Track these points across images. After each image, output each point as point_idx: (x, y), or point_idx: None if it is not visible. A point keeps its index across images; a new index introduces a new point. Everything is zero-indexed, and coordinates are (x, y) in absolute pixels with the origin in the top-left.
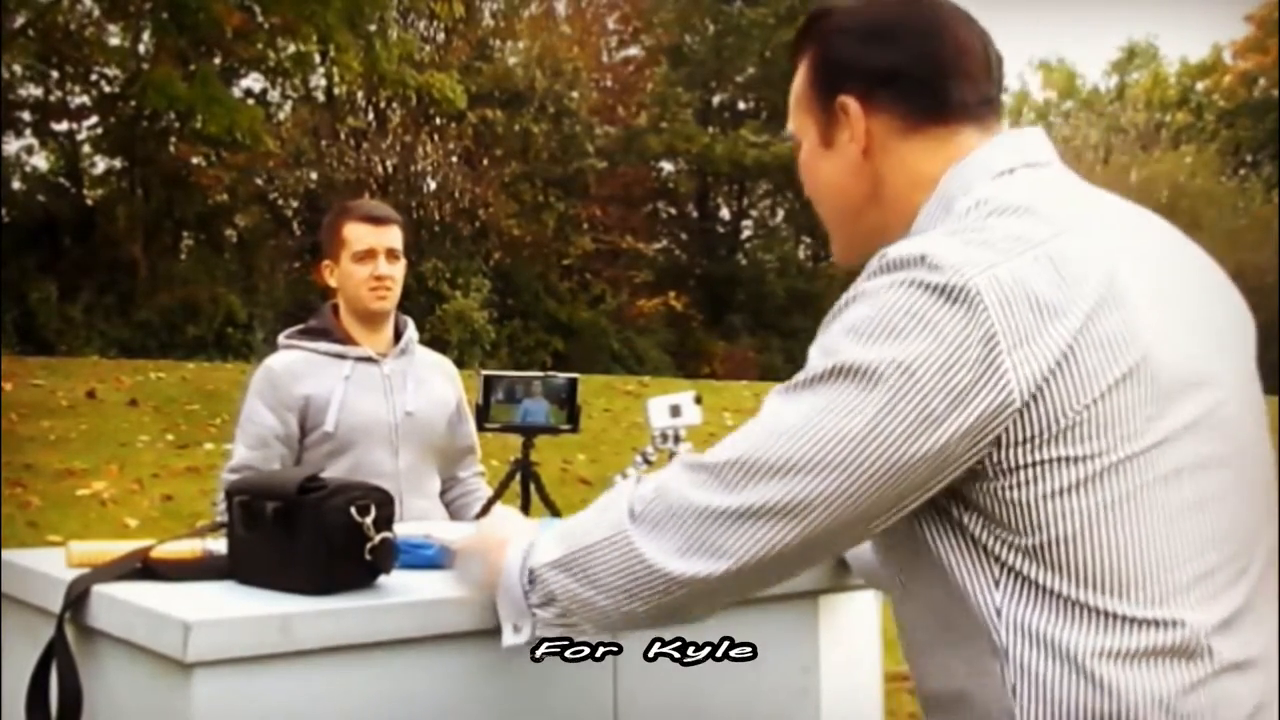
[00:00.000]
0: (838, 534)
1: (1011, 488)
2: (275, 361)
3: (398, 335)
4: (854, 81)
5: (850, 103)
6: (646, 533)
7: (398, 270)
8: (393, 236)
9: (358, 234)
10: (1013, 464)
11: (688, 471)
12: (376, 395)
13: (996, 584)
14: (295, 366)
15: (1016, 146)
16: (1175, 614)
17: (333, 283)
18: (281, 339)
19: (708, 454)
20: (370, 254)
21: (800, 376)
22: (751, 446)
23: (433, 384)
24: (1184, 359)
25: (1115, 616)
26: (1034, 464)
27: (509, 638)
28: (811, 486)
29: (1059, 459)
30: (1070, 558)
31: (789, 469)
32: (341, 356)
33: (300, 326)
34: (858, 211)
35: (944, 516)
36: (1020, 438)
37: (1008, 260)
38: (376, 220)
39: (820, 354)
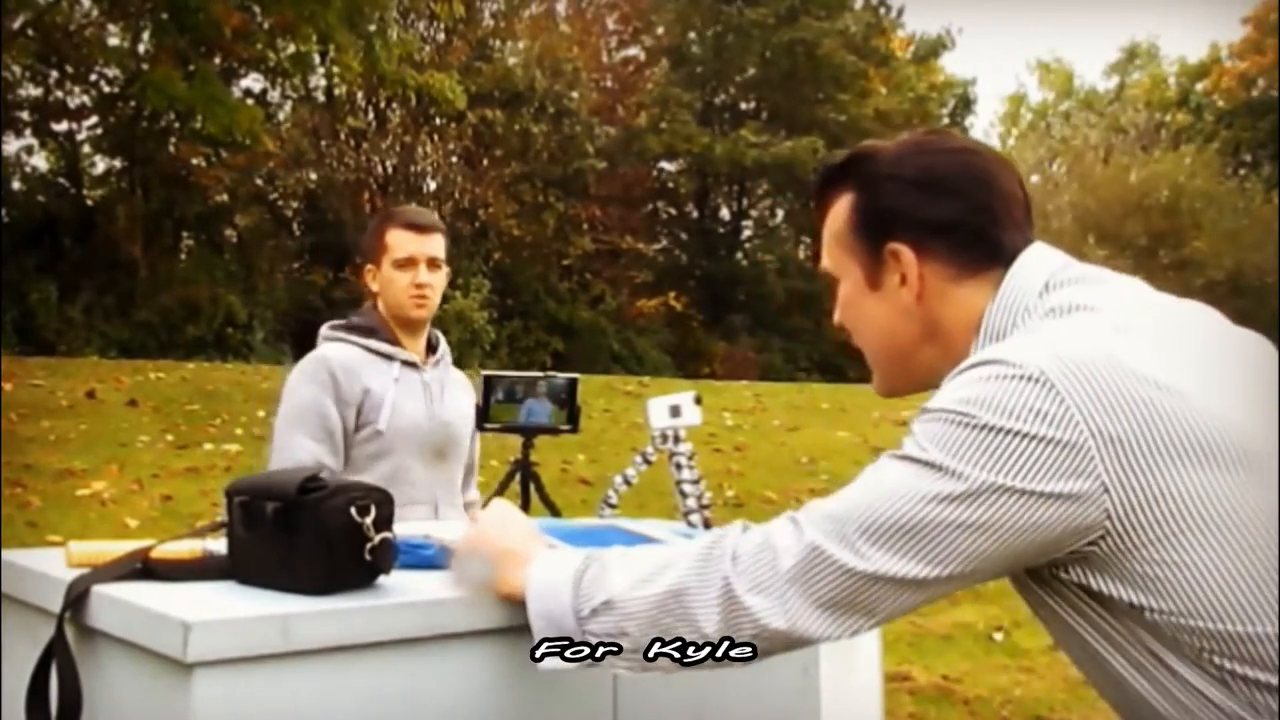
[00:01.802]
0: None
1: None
2: (332, 353)
3: (430, 346)
4: (906, 229)
5: (904, 250)
6: (752, 586)
7: (438, 279)
8: (435, 245)
9: (400, 241)
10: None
11: (803, 527)
12: (419, 401)
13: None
14: (353, 363)
15: (1035, 267)
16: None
17: (374, 287)
18: (328, 331)
19: (817, 510)
20: (411, 261)
21: (913, 450)
22: (869, 511)
23: (461, 398)
24: (1235, 433)
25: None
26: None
27: (551, 662)
28: (924, 569)
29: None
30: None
31: (904, 548)
32: (390, 357)
33: (344, 322)
34: (910, 351)
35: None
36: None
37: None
38: (420, 228)
39: (914, 445)
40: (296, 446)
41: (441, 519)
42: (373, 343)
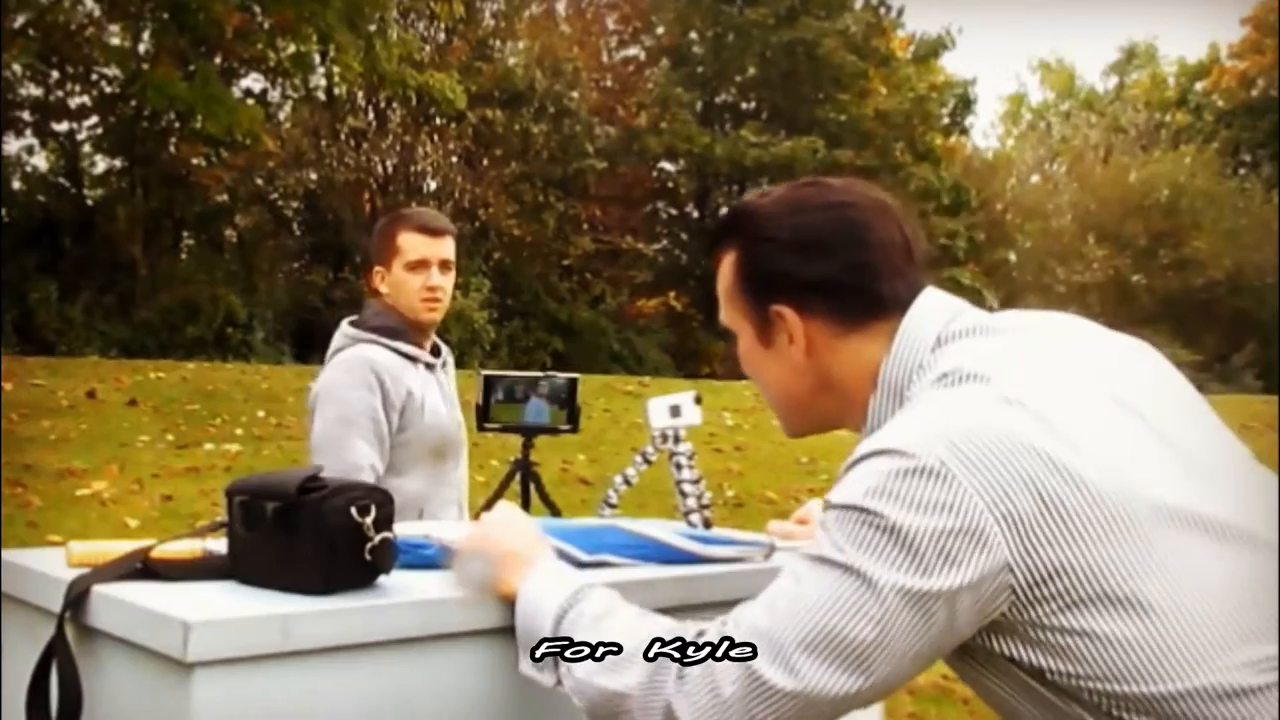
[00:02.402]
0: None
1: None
2: (374, 356)
3: (434, 348)
4: (786, 291)
5: (786, 311)
6: (693, 712)
7: (448, 281)
8: (447, 248)
9: (412, 243)
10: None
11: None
12: (441, 403)
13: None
14: (392, 364)
15: (927, 318)
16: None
17: (383, 289)
18: (356, 331)
19: (747, 624)
20: (424, 264)
21: (830, 552)
22: (797, 627)
23: (456, 400)
24: (1164, 493)
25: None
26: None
27: (527, 668)
28: (857, 680)
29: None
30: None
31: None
32: (414, 360)
33: (370, 324)
34: (807, 403)
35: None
36: (1030, 596)
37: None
38: (433, 231)
39: (830, 545)
40: (355, 451)
41: (464, 521)
42: (400, 345)
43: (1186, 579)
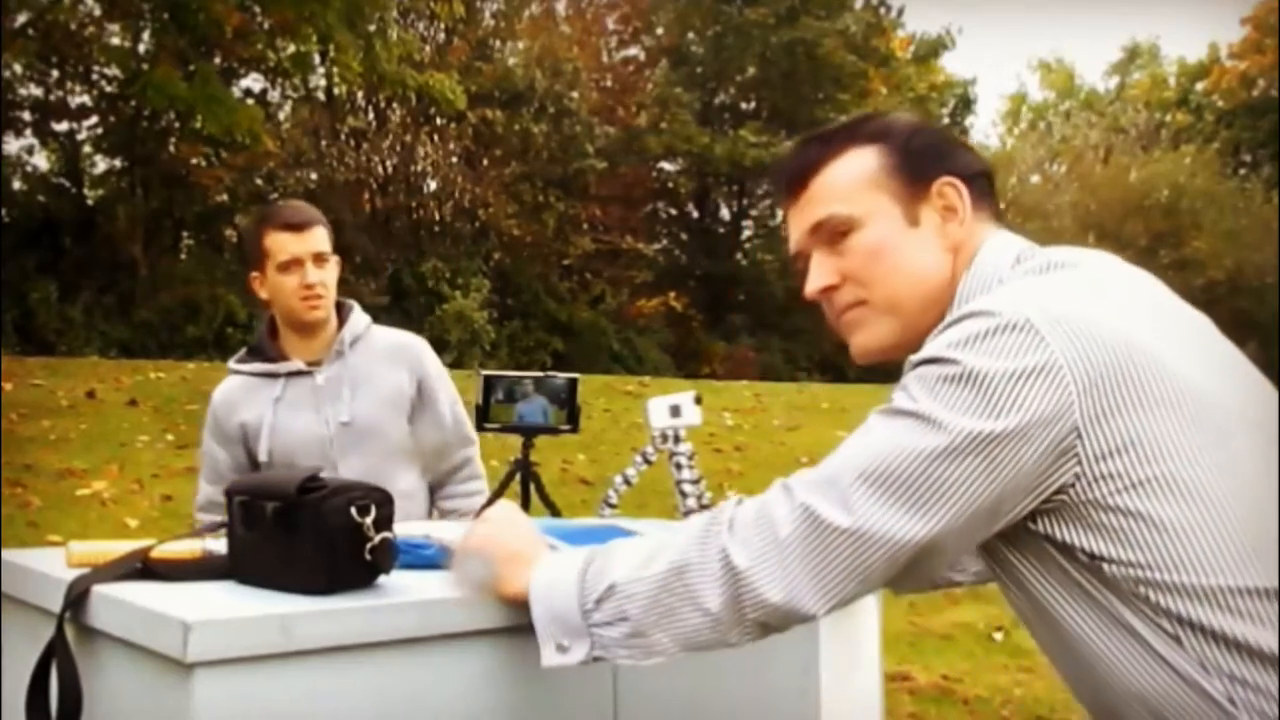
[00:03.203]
0: (946, 548)
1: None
2: (216, 394)
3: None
4: (949, 169)
5: (956, 182)
6: (751, 556)
7: (328, 274)
8: (317, 240)
9: (279, 243)
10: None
11: (795, 492)
12: (308, 412)
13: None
14: (231, 396)
15: (1008, 243)
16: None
17: (264, 295)
18: (230, 364)
19: (809, 475)
20: (295, 262)
21: (902, 403)
22: (859, 469)
23: (379, 380)
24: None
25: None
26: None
27: (552, 657)
28: (916, 523)
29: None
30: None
31: (901, 496)
32: (273, 375)
33: (247, 347)
34: (934, 294)
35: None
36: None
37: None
38: (296, 226)
39: (904, 397)
40: (200, 491)
41: None
42: (256, 365)
43: (1248, 476)
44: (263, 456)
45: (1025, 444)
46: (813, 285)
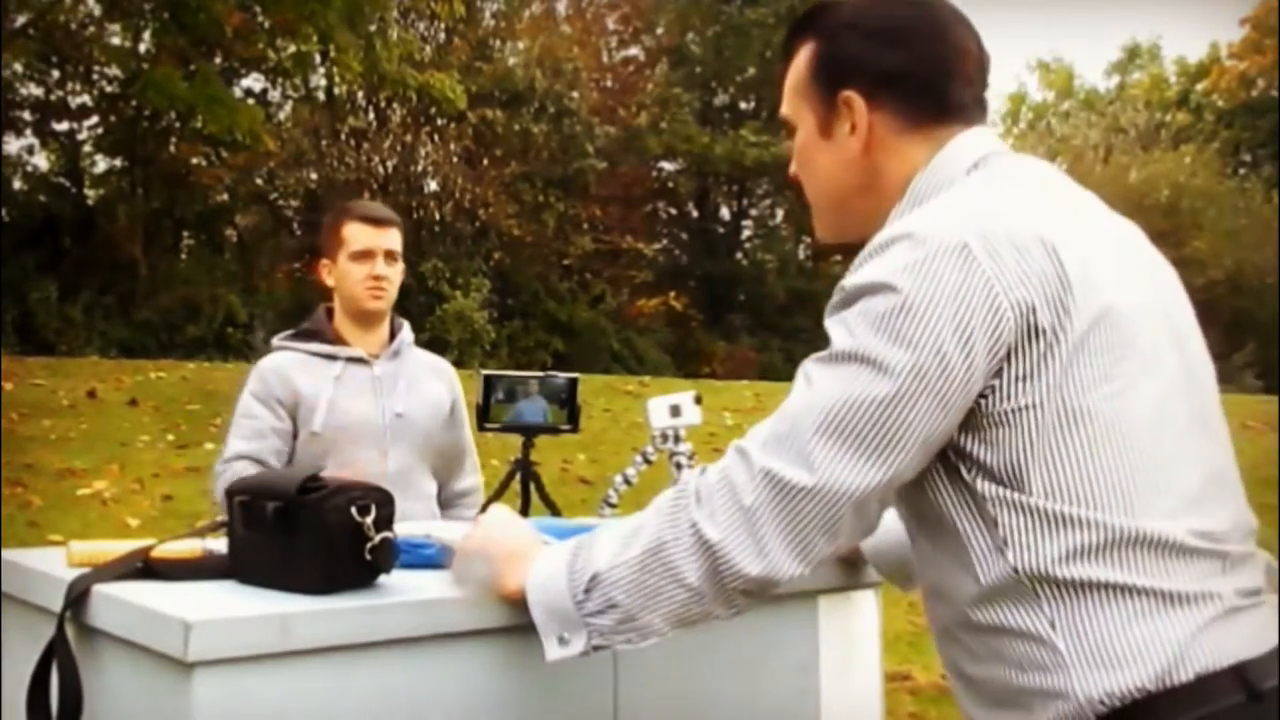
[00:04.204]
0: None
1: (998, 426)
2: (266, 362)
3: (393, 337)
4: (859, 79)
5: (855, 98)
6: (721, 527)
7: (395, 272)
8: (392, 238)
9: (357, 234)
10: (1004, 405)
11: (752, 457)
12: (366, 396)
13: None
14: (285, 366)
15: (973, 144)
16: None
17: (330, 281)
18: (274, 341)
19: (761, 435)
20: (368, 254)
21: (842, 344)
22: (811, 423)
23: (426, 386)
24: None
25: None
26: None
27: (555, 650)
28: (876, 468)
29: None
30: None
31: (843, 441)
32: (332, 357)
33: (294, 330)
34: (848, 200)
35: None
36: (1014, 374)
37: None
38: (376, 221)
39: (842, 335)
40: (228, 448)
41: (399, 510)
42: (313, 345)
43: (1153, 415)
44: (315, 428)
45: (971, 371)
46: (790, 169)
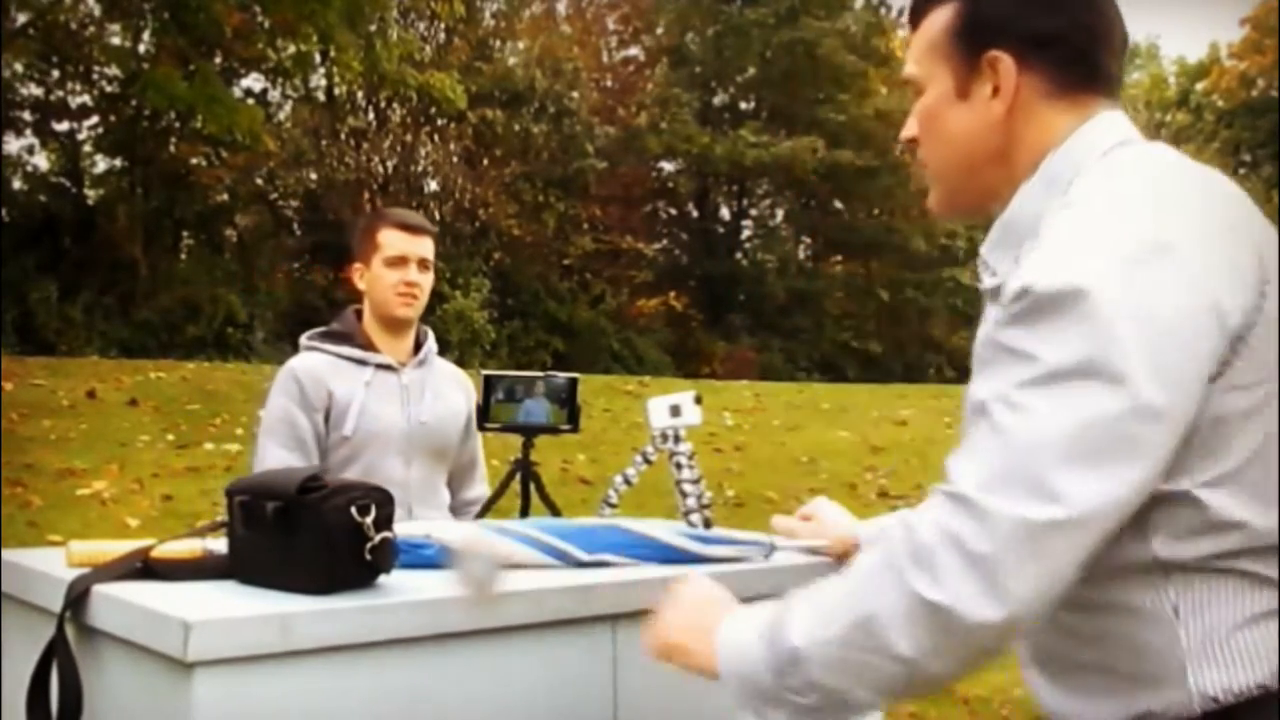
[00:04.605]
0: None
1: None
2: (298, 364)
3: (417, 346)
4: (1009, 39)
5: (1003, 59)
6: (951, 585)
7: (426, 280)
8: (426, 246)
9: (391, 240)
10: None
11: (977, 501)
12: (394, 403)
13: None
14: (318, 369)
15: (1114, 125)
16: None
17: (361, 286)
18: (304, 340)
19: (973, 478)
20: (402, 260)
21: (1041, 370)
22: (1038, 452)
23: (449, 396)
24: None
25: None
26: None
27: None
28: (1128, 475)
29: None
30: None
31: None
32: (362, 362)
33: (322, 330)
34: (978, 167)
35: None
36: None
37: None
38: (411, 229)
39: (1049, 349)
40: (269, 456)
41: (417, 519)
42: (344, 349)
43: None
44: (346, 432)
45: (1200, 375)
46: (903, 133)
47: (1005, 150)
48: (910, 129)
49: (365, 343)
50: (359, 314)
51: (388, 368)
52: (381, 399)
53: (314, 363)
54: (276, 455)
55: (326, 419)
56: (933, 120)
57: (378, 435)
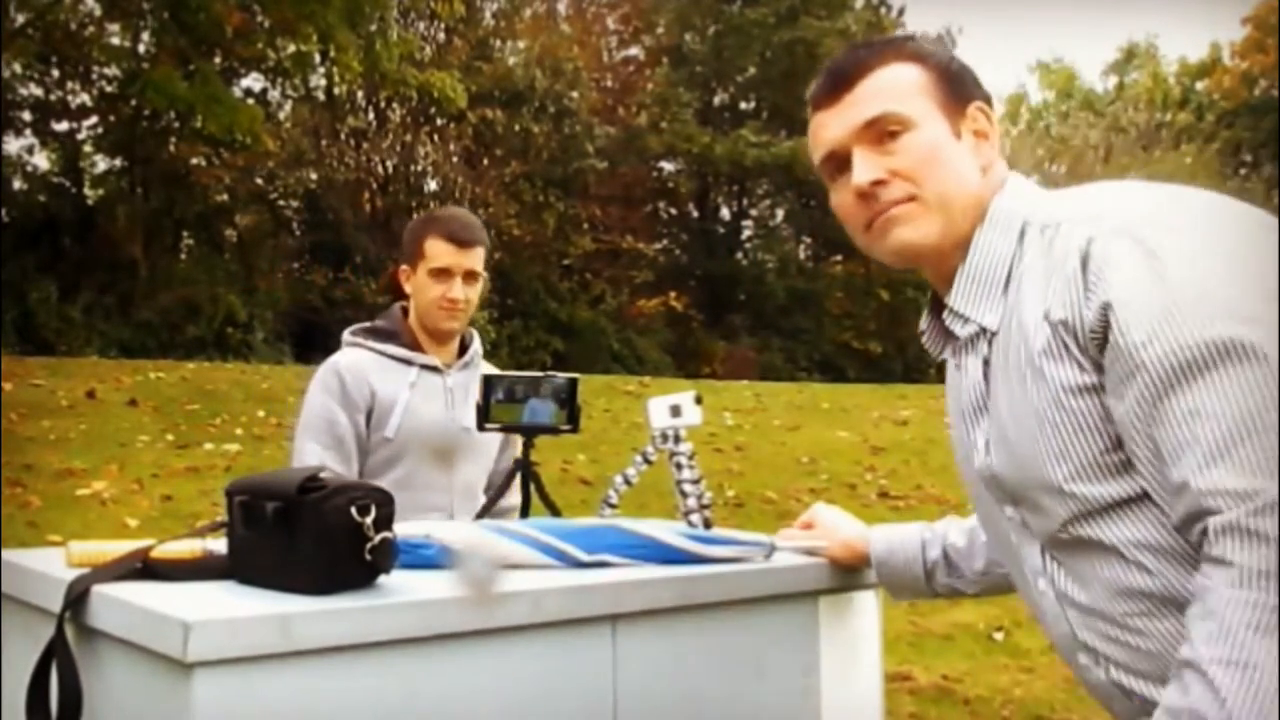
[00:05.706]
0: None
1: None
2: (342, 360)
3: (463, 348)
4: (979, 97)
5: (986, 109)
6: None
7: (474, 292)
8: (474, 258)
9: (437, 251)
10: None
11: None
12: (438, 406)
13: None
14: (362, 365)
15: (1009, 172)
16: None
17: (408, 289)
18: (347, 336)
19: (1232, 488)
20: (447, 273)
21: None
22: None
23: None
24: None
25: None
26: None
27: None
28: None
29: None
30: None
31: None
32: (408, 362)
33: (365, 325)
34: (967, 206)
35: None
36: None
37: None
38: (460, 242)
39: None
40: (306, 453)
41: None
42: (390, 347)
43: None
44: (388, 434)
45: None
46: (865, 175)
47: (979, 193)
48: (875, 172)
49: (411, 342)
50: (405, 310)
51: (433, 369)
52: (426, 400)
53: (357, 359)
54: (313, 452)
55: (368, 419)
56: (938, 151)
57: (421, 437)
